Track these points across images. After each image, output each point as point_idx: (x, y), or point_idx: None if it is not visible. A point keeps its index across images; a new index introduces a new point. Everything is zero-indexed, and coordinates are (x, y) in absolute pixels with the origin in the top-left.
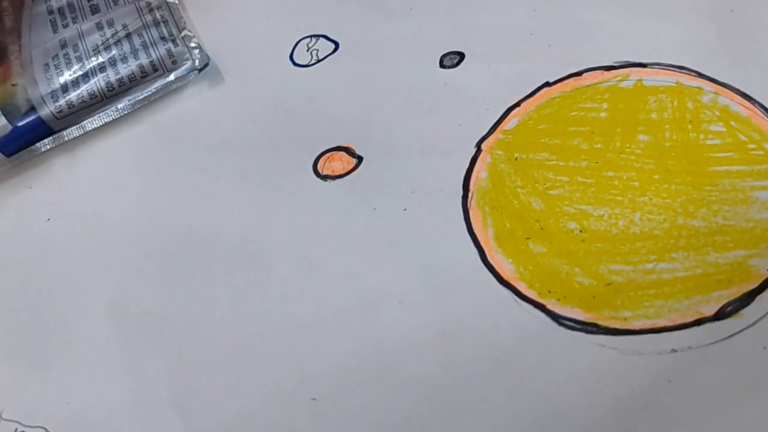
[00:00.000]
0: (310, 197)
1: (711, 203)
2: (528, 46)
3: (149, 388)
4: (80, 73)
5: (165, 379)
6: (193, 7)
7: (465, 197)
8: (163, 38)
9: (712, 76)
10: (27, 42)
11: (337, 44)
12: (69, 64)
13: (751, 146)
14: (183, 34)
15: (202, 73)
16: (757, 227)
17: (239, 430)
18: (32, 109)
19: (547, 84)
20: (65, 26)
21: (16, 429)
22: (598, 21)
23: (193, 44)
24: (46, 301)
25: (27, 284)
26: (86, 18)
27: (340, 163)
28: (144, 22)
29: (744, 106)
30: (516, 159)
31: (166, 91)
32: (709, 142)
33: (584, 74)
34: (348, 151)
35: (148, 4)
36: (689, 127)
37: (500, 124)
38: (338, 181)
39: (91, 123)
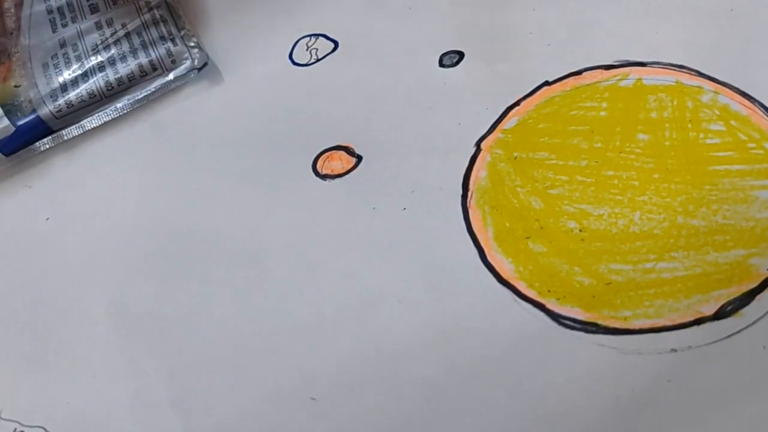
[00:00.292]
0: (310, 196)
1: (711, 202)
2: (527, 45)
3: (149, 387)
4: (79, 72)
5: (164, 378)
6: (192, 6)
7: (464, 196)
8: (162, 37)
9: (712, 75)
10: (26, 41)
11: (336, 43)
12: (68, 64)
13: (751, 145)
14: (182, 33)
15: (201, 72)
16: (757, 226)
17: (239, 429)
18: (32, 108)
19: (547, 83)
20: (64, 26)
21: (15, 429)
22: (597, 20)
23: (192, 43)
24: (45, 301)
25: (26, 284)
26: (85, 17)
27: (339, 162)
28: (143, 21)
29: (744, 105)
30: (515, 158)
31: (165, 91)
32: (708, 141)
33: (584, 73)
34: (347, 150)
35: (147, 4)
36: (689, 126)
37: (500, 123)
38: (337, 180)
39: (91, 122)
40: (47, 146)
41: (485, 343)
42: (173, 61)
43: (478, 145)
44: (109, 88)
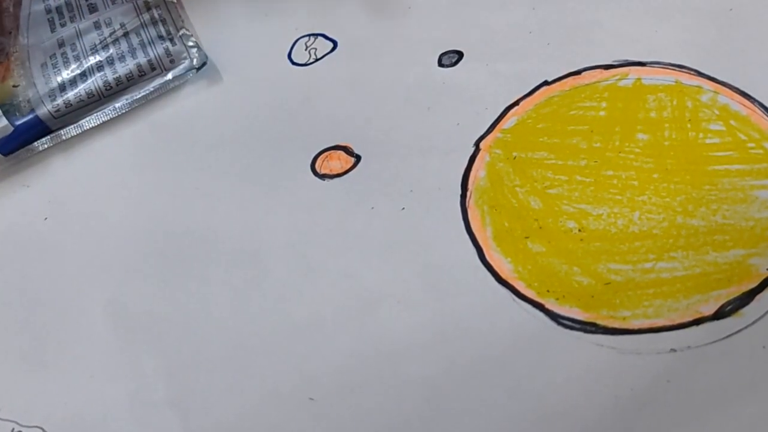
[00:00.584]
0: (308, 196)
1: (710, 202)
2: (527, 45)
3: (147, 387)
4: (78, 72)
5: (163, 378)
6: (191, 6)
7: (463, 196)
8: (160, 37)
9: (712, 74)
10: (25, 41)
11: (335, 43)
12: (67, 63)
13: (750, 145)
14: (181, 32)
15: (200, 72)
16: (756, 226)
17: (237, 430)
18: (30, 108)
19: (546, 83)
20: (63, 25)
21: (13, 429)
22: (597, 20)
23: (191, 43)
24: (43, 301)
25: (24, 283)
26: (84, 17)
27: (338, 162)
28: (142, 20)
29: (743, 105)
30: (515, 158)
31: (164, 90)
32: (708, 141)
33: (583, 73)
34: (346, 150)
35: (146, 3)
36: (688, 126)
37: (499, 123)
38: (336, 180)
39: (89, 122)
40: (46, 146)
41: (484, 343)
42: (172, 61)
43: (477, 144)
44: (108, 87)
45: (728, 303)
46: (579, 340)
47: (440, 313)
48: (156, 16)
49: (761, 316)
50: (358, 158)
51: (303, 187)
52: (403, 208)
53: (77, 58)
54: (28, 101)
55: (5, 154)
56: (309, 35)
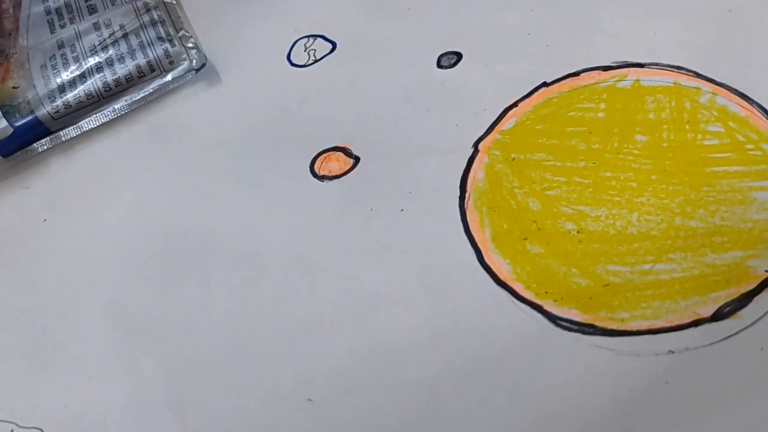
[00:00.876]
0: (307, 198)
1: (709, 204)
2: (526, 47)
3: (146, 389)
4: (77, 73)
5: (161, 380)
6: (190, 7)
7: (462, 198)
8: (160, 38)
9: (710, 76)
10: (24, 42)
11: (334, 44)
12: (66, 65)
13: (749, 146)
14: (180, 34)
15: (199, 73)
16: (755, 228)
17: (236, 431)
18: (30, 109)
19: (545, 84)
20: (62, 26)
21: (12, 430)
22: (596, 21)
23: (190, 44)
24: (42, 302)
25: (24, 285)
26: (83, 18)
27: (337, 163)
28: (141, 22)
29: (742, 107)
30: (513, 159)
31: (163, 92)
32: (706, 142)
33: (582, 74)
34: (345, 151)
35: (146, 5)
36: (687, 127)
37: (497, 124)
38: (335, 181)
39: (88, 123)
40: (45, 147)
41: (483, 344)
42: (171, 62)
43: (475, 146)
44: (107, 89)
45: (726, 305)
46: (577, 342)
47: (439, 315)
48: (155, 17)
49: (759, 318)
50: (357, 159)
51: (302, 189)
52: (402, 210)
53: (77, 60)
54: (28, 103)
55: (5, 156)
56: (308, 36)
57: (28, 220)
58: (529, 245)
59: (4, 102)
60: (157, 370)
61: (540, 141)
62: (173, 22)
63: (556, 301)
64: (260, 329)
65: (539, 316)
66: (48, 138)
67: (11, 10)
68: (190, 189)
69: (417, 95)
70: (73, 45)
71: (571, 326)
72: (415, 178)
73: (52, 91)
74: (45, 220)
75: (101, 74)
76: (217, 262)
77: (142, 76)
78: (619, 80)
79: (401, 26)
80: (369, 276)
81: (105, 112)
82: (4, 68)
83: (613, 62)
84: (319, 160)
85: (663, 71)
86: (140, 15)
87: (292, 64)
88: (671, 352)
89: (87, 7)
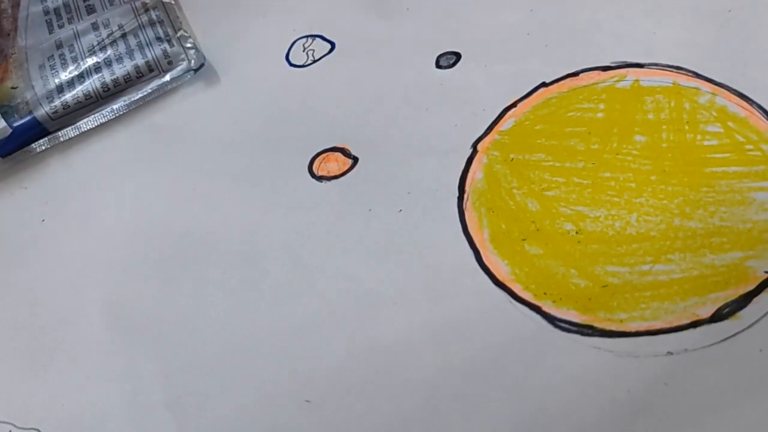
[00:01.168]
0: (306, 198)
1: (708, 204)
2: (525, 47)
3: (144, 389)
4: (76, 73)
5: (159, 380)
6: (189, 7)
7: (461, 198)
8: (158, 38)
9: (710, 76)
10: (23, 42)
11: (333, 44)
12: (64, 65)
13: (748, 147)
14: (179, 34)
15: (197, 73)
16: (754, 228)
17: (234, 431)
18: (28, 110)
19: (544, 84)
20: (61, 27)
21: (11, 430)
22: (595, 21)
23: (188, 44)
24: (40, 302)
25: (21, 285)
26: (82, 18)
27: (335, 163)
28: (140, 22)
29: (741, 107)
30: (512, 160)
31: (162, 92)
32: (706, 142)
33: (581, 74)
34: (343, 151)
35: (144, 5)
36: (686, 127)
37: (496, 124)
38: (334, 181)
39: (87, 123)
40: (43, 147)
41: (481, 345)
42: (170, 62)
43: (474, 146)
44: (106, 89)
45: (725, 306)
46: (576, 343)
47: (437, 315)
48: (154, 17)
49: (759, 319)
50: (355, 160)
51: (300, 189)
52: (401, 210)
53: (75, 60)
54: (26, 103)
55: (3, 156)
56: (307, 36)
57: (26, 220)
58: (527, 246)
59: (2, 102)
60: (155, 370)
61: (539, 141)
62: (172, 22)
63: (554, 301)
64: (259, 329)
65: (538, 316)
66: (46, 138)
67: (10, 10)
68: (188, 189)
69: (416, 95)
70: (72, 45)
71: (570, 327)
72: (414, 178)
73: (51, 91)
74: (43, 220)
75: (100, 74)
76: (215, 262)
77: (140, 77)
78: (618, 80)
79: (400, 26)
80: (367, 276)
81: (103, 112)
82: (3, 68)
83: (612, 62)
84: (317, 160)
85: (662, 71)
86: (139, 15)
87: (291, 64)
88: (670, 353)
89: (85, 7)
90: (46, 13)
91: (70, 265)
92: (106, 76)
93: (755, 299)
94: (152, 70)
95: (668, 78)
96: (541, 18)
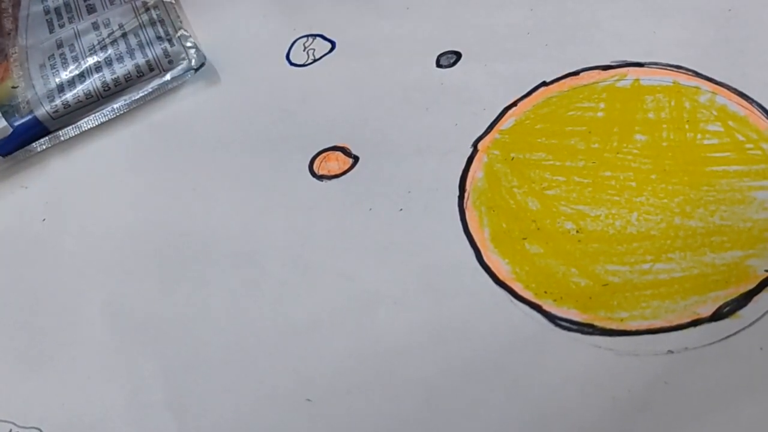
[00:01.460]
0: (306, 197)
1: (708, 203)
2: (525, 46)
3: (144, 389)
4: (76, 72)
5: (160, 380)
6: (189, 7)
7: (461, 197)
8: (159, 38)
9: (710, 75)
10: (24, 42)
11: (333, 44)
12: (65, 64)
13: (748, 146)
14: (179, 33)
15: (198, 72)
16: (754, 227)
17: (234, 431)
18: (29, 109)
19: (544, 83)
20: (61, 26)
21: (11, 430)
22: (595, 20)
23: (189, 44)
24: (41, 302)
25: (22, 284)
26: (82, 18)
27: (336, 163)
28: (140, 21)
29: (741, 106)
30: (512, 159)
31: (162, 91)
32: (706, 141)
33: (581, 74)
34: (344, 150)
35: (144, 4)
36: (686, 126)
37: (497, 123)
38: (334, 181)
39: (87, 123)
40: (44, 147)
41: (482, 344)
42: (170, 62)
43: (474, 145)
44: (106, 88)
45: (726, 304)
46: (576, 342)
47: (438, 315)
48: (154, 16)
49: (759, 318)
50: (356, 159)
51: (301, 188)
52: (401, 209)
53: (76, 59)
54: (27, 102)
55: (4, 155)
56: (307, 36)
57: (27, 219)
58: (528, 245)
59: (3, 102)
60: (155, 369)
61: (539, 140)
62: (172, 22)
63: (555, 300)
64: (259, 329)
65: (538, 315)
66: (47, 137)
67: (10, 10)
68: (188, 188)
69: (416, 94)
70: (72, 44)
71: (571, 326)
72: (414, 177)
73: (51, 90)
74: (44, 219)
75: (100, 74)
76: (216, 261)
77: (141, 76)
78: (618, 79)
79: (400, 25)
80: (368, 275)
81: (104, 111)
82: (3, 68)
83: (612, 61)
84: (318, 159)
85: (662, 70)
86: (139, 14)
87: (292, 64)
88: (670, 351)
89: (86, 6)
90: (47, 12)
91: (70, 265)
92: (107, 75)
93: (755, 298)
94: (153, 69)
95: (668, 77)
96: (542, 17)
